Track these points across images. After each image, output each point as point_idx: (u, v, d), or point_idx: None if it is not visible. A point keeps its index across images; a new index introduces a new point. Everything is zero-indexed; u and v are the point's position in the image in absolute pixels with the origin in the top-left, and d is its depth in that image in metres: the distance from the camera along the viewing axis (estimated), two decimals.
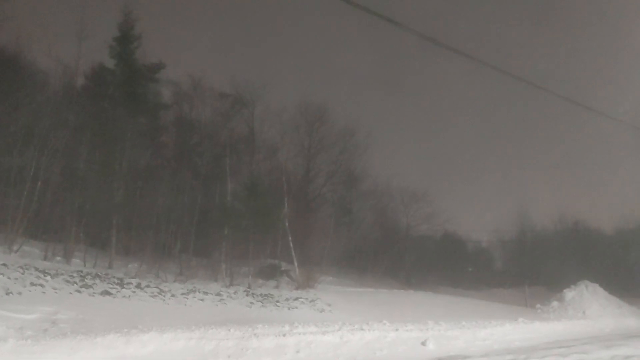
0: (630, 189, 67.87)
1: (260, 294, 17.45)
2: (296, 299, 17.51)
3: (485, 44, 76.96)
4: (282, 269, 22.04)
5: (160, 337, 9.18)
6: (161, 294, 14.87)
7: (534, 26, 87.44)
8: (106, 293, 13.60)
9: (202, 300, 15.27)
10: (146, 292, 14.70)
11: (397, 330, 12.26)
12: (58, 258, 16.76)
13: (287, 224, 21.77)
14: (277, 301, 16.77)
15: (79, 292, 13.14)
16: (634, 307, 21.86)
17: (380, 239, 35.98)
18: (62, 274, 14.22)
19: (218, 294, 16.33)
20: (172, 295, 15.01)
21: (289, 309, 16.06)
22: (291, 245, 21.48)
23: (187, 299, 15.06)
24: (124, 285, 14.83)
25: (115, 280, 15.16)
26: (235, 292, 17.11)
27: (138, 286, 15.11)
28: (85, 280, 14.29)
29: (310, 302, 17.30)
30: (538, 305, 21.56)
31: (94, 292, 13.41)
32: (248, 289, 18.09)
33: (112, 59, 22.95)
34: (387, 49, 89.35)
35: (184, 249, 21.27)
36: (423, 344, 11.25)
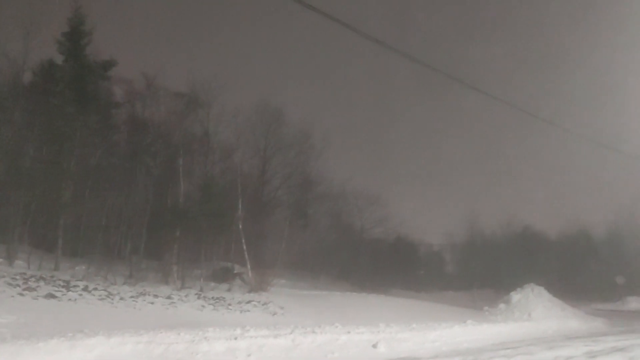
0: (575, 195, 70.74)
1: (212, 297, 17.25)
2: (249, 302, 17.40)
3: (437, 52, 78.47)
4: (235, 271, 21.86)
5: (107, 342, 8.96)
6: (109, 297, 14.51)
7: (484, 36, 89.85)
8: (51, 296, 13.17)
9: (152, 303, 14.98)
10: (94, 295, 14.32)
11: (349, 332, 12.33)
12: (0, 260, 16.13)
13: (241, 226, 21.60)
14: (229, 304, 16.62)
15: (22, 295, 12.68)
16: (576, 309, 22.69)
17: (335, 242, 36.16)
18: (3, 277, 13.69)
19: (169, 297, 16.06)
20: (121, 299, 14.68)
21: (241, 312, 15.94)
22: (245, 247, 21.31)
23: (137, 302, 14.75)
24: (70, 288, 14.39)
25: (61, 283, 14.70)
26: (186, 295, 16.86)
27: (85, 289, 14.70)
28: (29, 282, 13.81)
29: (263, 305, 17.22)
30: (486, 308, 22.08)
31: (37, 295, 12.97)
32: (200, 292, 17.85)
33: (62, 54, 22.25)
34: (344, 52, 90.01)
35: (134, 251, 20.82)
36: (374, 346, 11.35)
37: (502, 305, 21.80)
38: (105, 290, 15.16)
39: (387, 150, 77.79)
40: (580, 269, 44.16)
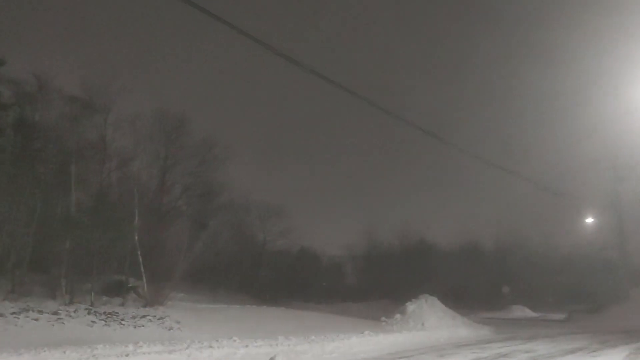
0: (465, 209, 74.96)
1: (104, 312, 16.38)
2: (143, 316, 16.71)
3: (339, 65, 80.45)
4: (130, 285, 20.90)
5: None
6: None
7: (385, 48, 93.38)
8: None
9: (36, 320, 14.00)
10: None
11: (247, 346, 12.22)
12: None
13: (137, 237, 20.71)
14: (122, 319, 15.87)
15: None
16: (465, 318, 23.89)
17: (236, 254, 35.72)
18: None
19: (55, 313, 15.07)
20: (1, 315, 13.60)
21: (134, 327, 15.28)
22: (140, 260, 20.43)
23: (19, 318, 13.74)
24: None
25: None
26: (75, 311, 15.90)
27: None
28: None
29: (159, 319, 16.61)
30: (383, 318, 22.67)
31: None
32: (90, 307, 16.89)
33: None
34: (247, 62, 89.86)
35: (18, 264, 19.34)
36: (272, 359, 11.30)
37: (398, 316, 22.49)
38: None
39: (290, 162, 78.35)
40: (470, 279, 46.72)
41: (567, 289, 43.04)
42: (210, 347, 11.70)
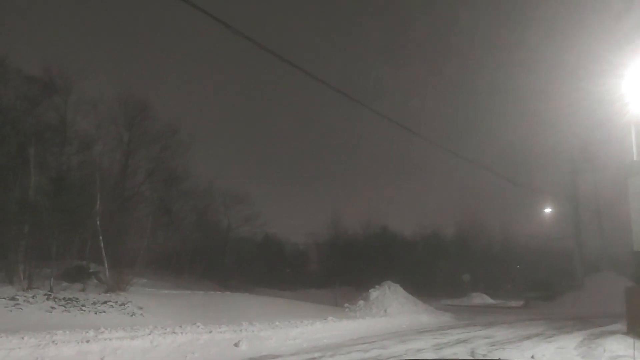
0: (427, 197, 76.03)
1: (64, 298, 16.04)
2: (105, 302, 16.42)
3: (306, 50, 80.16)
4: (91, 270, 20.52)
5: None
6: None
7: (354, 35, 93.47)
8: None
9: None
10: None
11: (210, 332, 12.18)
12: None
13: (98, 222, 20.32)
14: (83, 305, 15.57)
15: None
16: (427, 305, 24.36)
17: (199, 240, 35.45)
18: None
19: (13, 299, 14.68)
20: None
21: (96, 313, 15.02)
22: (102, 245, 20.06)
23: None
24: None
25: None
26: (33, 296, 15.52)
27: None
28: None
29: (121, 305, 16.37)
30: (346, 305, 22.93)
31: None
32: (49, 293, 16.52)
33: None
34: (212, 46, 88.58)
35: None
36: (236, 345, 11.31)
37: (361, 302, 22.77)
38: None
39: (254, 149, 78.04)
40: (432, 267, 47.66)
41: (524, 277, 44.28)
42: (174, 332, 11.63)
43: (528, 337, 13.57)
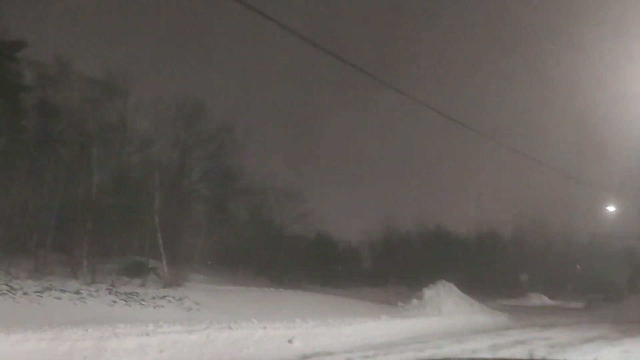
0: (485, 197, 74.43)
1: (125, 292, 16.61)
2: (163, 297, 16.91)
3: (361, 51, 79.80)
4: (150, 266, 21.18)
5: (7, 339, 8.43)
6: (11, 292, 13.65)
7: (409, 36, 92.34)
8: None
9: (58, 298, 14.23)
10: None
11: (265, 328, 12.32)
12: None
13: (157, 219, 20.95)
14: (143, 300, 16.08)
15: None
16: (483, 304, 23.84)
17: (254, 237, 35.95)
18: None
19: (77, 292, 15.31)
20: (25, 294, 13.84)
21: (154, 307, 15.48)
22: (160, 241, 20.68)
23: (42, 297, 13.95)
24: None
25: None
26: (96, 290, 16.15)
27: None
28: None
29: (178, 300, 16.81)
30: (400, 303, 22.70)
31: None
32: (111, 287, 17.15)
33: None
34: (269, 46, 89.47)
35: (41, 244, 19.70)
36: (290, 341, 11.40)
37: (414, 301, 22.50)
38: (6, 284, 14.25)
39: (309, 147, 78.46)
40: (488, 266, 46.55)
41: (586, 278, 42.72)
42: (229, 328, 11.82)
43: (590, 340, 13.08)
